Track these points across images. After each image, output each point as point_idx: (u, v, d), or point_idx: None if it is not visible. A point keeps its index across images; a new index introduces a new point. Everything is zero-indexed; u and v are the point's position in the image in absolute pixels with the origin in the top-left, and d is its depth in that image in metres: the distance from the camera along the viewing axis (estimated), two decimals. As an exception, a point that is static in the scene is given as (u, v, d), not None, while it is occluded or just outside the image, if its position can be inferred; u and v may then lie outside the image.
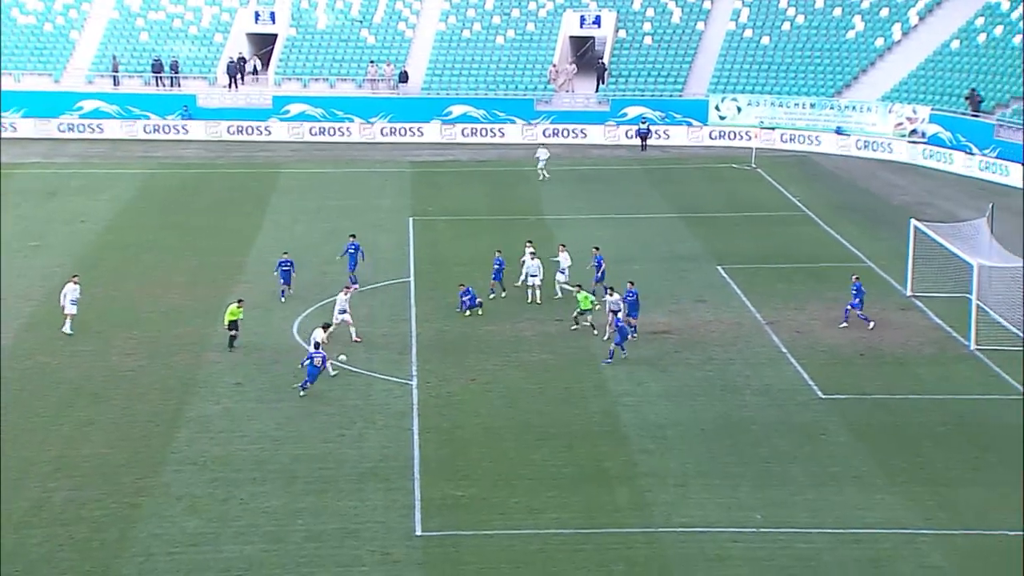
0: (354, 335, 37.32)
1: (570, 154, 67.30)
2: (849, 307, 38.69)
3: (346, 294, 38.07)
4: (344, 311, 37.48)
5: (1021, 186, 57.95)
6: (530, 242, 41.89)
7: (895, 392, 34.06)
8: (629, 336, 36.56)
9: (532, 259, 40.96)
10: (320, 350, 33.90)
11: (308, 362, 33.37)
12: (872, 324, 38.52)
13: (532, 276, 40.78)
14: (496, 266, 40.99)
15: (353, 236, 43.55)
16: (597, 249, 42.03)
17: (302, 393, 33.33)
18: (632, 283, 37.65)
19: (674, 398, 33.54)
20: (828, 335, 38.38)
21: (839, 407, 33.02)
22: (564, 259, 41.33)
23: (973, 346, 37.03)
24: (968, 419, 32.30)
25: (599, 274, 41.18)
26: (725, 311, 40.65)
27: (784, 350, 37.12)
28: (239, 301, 37.47)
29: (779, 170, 62.60)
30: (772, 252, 47.67)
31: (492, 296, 40.54)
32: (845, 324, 38.54)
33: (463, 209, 55.02)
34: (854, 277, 39.76)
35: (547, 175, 59.09)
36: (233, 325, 36.65)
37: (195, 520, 26.80)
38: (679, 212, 54.02)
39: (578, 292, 38.11)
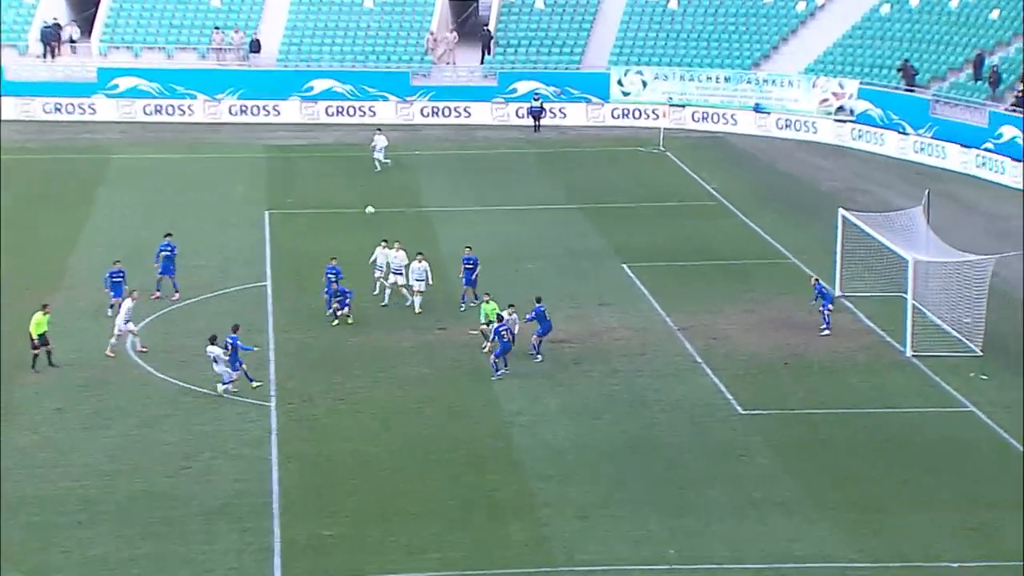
0: (138, 345, 37.34)
1: (453, 136, 67.28)
2: (822, 310, 39.23)
3: (133, 300, 37.76)
4: (129, 320, 37.24)
5: (959, 170, 59.47)
6: (420, 253, 41.46)
7: (823, 406, 34.62)
8: (520, 349, 36.80)
9: (419, 262, 40.95)
10: (222, 354, 34.36)
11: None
12: (827, 332, 39.01)
13: (418, 281, 40.79)
14: (331, 276, 40.41)
15: (169, 235, 42.96)
16: (469, 248, 42.07)
17: (254, 384, 34.48)
18: (540, 299, 37.54)
19: (574, 416, 33.76)
20: (747, 342, 38.96)
21: (761, 424, 33.47)
22: (400, 257, 41.37)
23: (909, 352, 37.68)
24: (905, 435, 32.81)
25: (470, 277, 41.24)
26: (631, 316, 41.02)
27: (698, 360, 37.57)
28: (44, 307, 36.77)
29: (690, 153, 63.37)
30: (684, 247, 48.24)
31: (334, 317, 40.00)
32: (827, 331, 38.99)
33: (329, 201, 54.70)
34: (813, 280, 40.18)
35: (387, 163, 58.73)
36: (43, 339, 35.88)
37: (6, 575, 26.18)
38: (578, 202, 54.39)
39: (487, 302, 38.08)
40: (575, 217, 52.29)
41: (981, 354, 37.43)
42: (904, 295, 38.89)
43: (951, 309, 38.73)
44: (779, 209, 53.80)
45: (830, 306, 39.41)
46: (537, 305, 37.41)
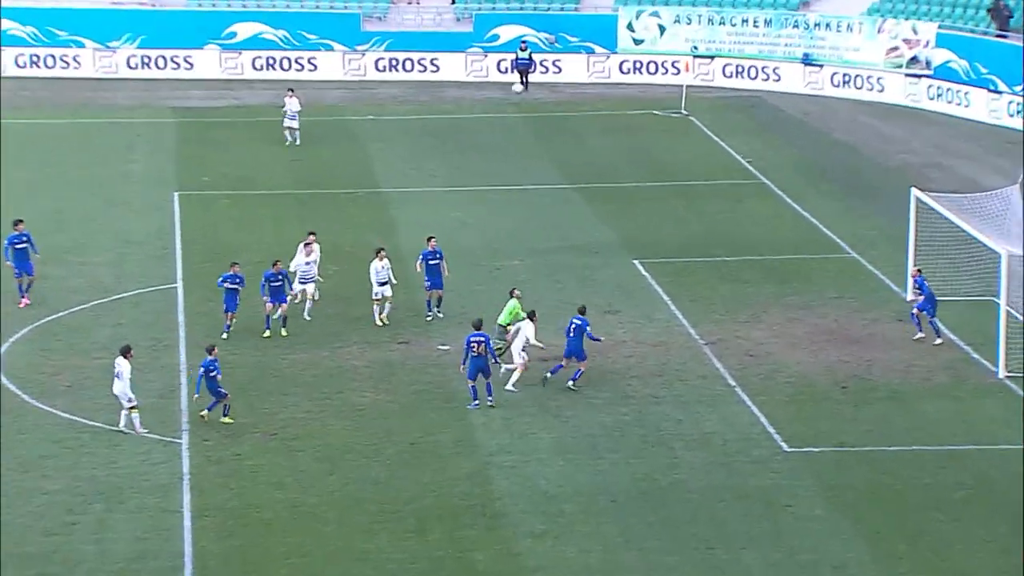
0: None
1: (416, 96, 67.22)
2: (917, 310, 39.89)
3: None
4: None
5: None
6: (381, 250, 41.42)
7: (891, 442, 34.49)
8: (502, 371, 36.93)
9: (380, 260, 40.87)
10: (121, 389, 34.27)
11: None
12: (940, 340, 39.76)
13: (381, 284, 40.78)
14: (230, 285, 40.03)
15: (20, 223, 42.60)
16: (433, 240, 42.07)
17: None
18: (583, 310, 37.41)
19: (573, 455, 33.58)
20: (794, 360, 38.91)
21: (812, 465, 33.30)
22: (312, 257, 41.23)
23: (1003, 373, 37.80)
24: (996, 481, 32.61)
25: (436, 278, 41.30)
26: (645, 326, 41.06)
27: (731, 382, 37.60)
28: None
29: (721, 118, 63.35)
30: (712, 238, 48.35)
31: (226, 335, 39.97)
32: (920, 335, 39.81)
33: (255, 179, 54.68)
34: (915, 270, 40.61)
35: (297, 132, 58.58)
36: None
37: None
38: (577, 181, 54.51)
39: (517, 298, 38.12)
40: (573, 200, 52.35)
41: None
42: (996, 299, 38.99)
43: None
44: (834, 190, 53.91)
45: (929, 311, 39.58)
46: (580, 317, 37.02)
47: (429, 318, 41.23)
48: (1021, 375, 37.59)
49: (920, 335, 39.97)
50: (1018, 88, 62.87)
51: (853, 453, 33.98)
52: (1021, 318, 39.20)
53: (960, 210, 41.48)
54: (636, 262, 45.92)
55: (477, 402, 36.01)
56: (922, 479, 32.82)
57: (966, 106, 64.25)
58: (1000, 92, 63.48)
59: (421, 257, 41.48)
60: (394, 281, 41.18)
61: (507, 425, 35.19)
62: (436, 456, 33.70)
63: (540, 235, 48.55)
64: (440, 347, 39.37)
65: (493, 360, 36.26)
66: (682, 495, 31.93)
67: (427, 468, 33.13)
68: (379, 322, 40.90)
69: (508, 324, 38.02)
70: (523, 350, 36.91)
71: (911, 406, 36.52)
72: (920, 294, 40.14)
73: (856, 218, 50.34)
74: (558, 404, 36.22)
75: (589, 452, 33.78)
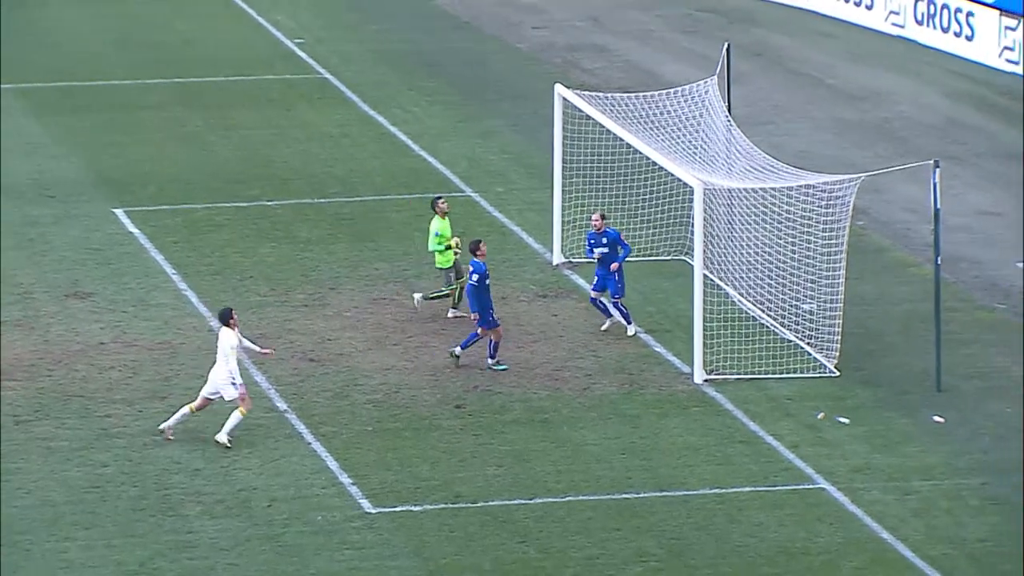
0: None
1: None
2: (596, 291, 40.70)
3: None
4: None
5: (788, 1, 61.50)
6: None
7: (535, 492, 34.77)
8: None
9: None
10: None
11: None
12: (632, 330, 40.69)
13: None
14: None
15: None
16: None
17: None
18: (476, 248, 38.64)
19: (16, 541, 32.75)
20: (381, 364, 39.45)
21: (412, 532, 33.44)
22: None
23: (700, 376, 38.58)
24: (691, 541, 32.86)
25: None
26: (136, 317, 41.64)
27: (281, 405, 37.96)
28: None
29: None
30: (244, 171, 49.57)
31: None
32: (610, 323, 40.84)
33: None
34: (596, 217, 40.53)
35: None
36: None
37: None
38: (15, 78, 55.40)
39: (440, 214, 40.76)
40: (10, 110, 52.58)
41: (838, 373, 38.55)
42: (686, 259, 39.43)
43: (779, 286, 39.52)
44: (438, 89, 54.95)
45: (614, 288, 40.33)
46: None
47: None
48: (733, 374, 38.39)
49: (610, 323, 40.65)
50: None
51: (476, 512, 34.08)
52: (728, 289, 39.71)
53: (630, 118, 41.91)
54: (119, 211, 46.09)
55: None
56: (580, 546, 32.74)
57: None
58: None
59: None
60: None
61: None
62: None
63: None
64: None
65: None
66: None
67: None
68: None
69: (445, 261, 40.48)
70: (232, 381, 36.40)
71: (563, 433, 36.76)
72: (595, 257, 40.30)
73: (472, 134, 51.21)
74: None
75: (45, 532, 32.98)
